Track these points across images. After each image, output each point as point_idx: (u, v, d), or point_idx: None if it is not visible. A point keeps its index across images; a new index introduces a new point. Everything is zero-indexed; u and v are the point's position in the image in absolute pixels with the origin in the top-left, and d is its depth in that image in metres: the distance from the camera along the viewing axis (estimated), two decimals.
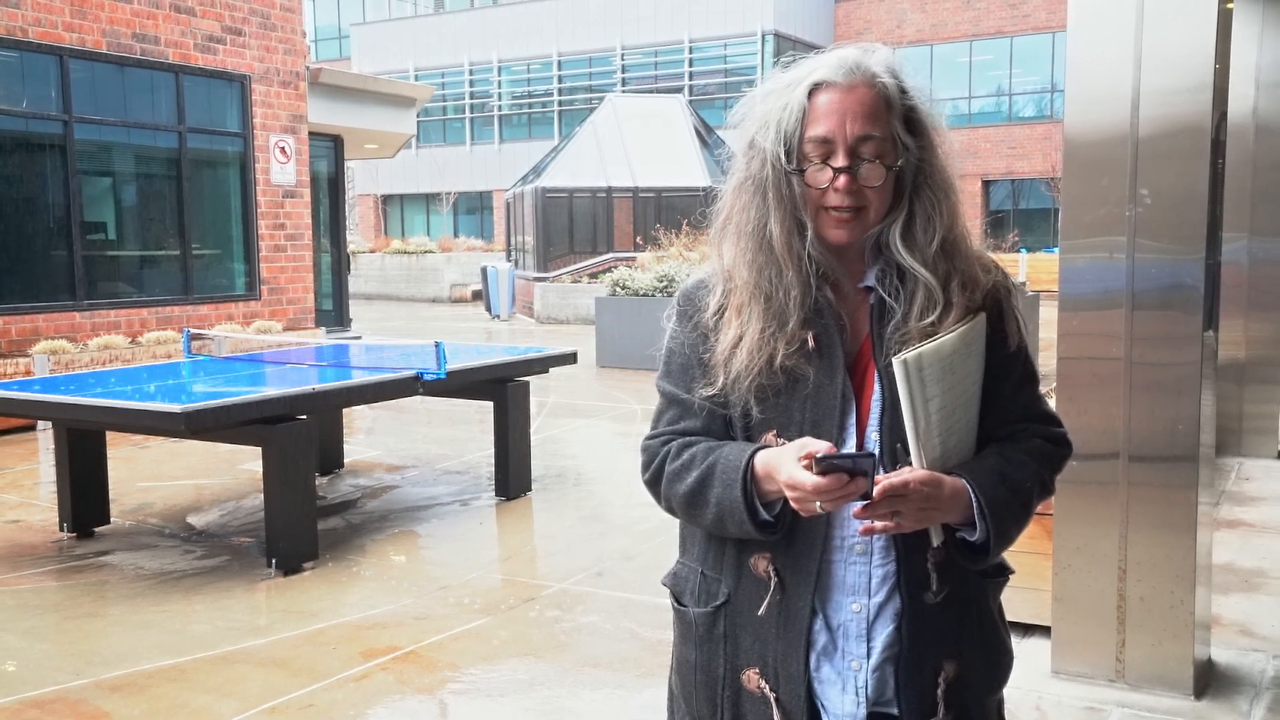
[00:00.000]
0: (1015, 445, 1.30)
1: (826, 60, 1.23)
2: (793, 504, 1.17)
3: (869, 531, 1.18)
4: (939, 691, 1.25)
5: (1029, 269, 18.74)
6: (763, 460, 1.21)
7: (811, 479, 1.11)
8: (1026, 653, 3.02)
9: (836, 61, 1.22)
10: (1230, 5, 2.81)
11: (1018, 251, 20.27)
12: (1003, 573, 1.35)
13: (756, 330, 1.24)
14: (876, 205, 1.23)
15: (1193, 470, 2.73)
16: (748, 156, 1.27)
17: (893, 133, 1.22)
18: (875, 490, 1.13)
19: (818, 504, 1.13)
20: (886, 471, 1.19)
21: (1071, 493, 2.85)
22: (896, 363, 1.15)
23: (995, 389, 1.29)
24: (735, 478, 1.22)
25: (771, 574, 1.26)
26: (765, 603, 1.26)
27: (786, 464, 1.15)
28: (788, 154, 1.22)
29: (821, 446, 1.14)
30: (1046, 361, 2.94)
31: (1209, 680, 2.88)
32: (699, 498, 1.26)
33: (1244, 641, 3.21)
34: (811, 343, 1.24)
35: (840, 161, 1.20)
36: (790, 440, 1.23)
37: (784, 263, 1.24)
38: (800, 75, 1.24)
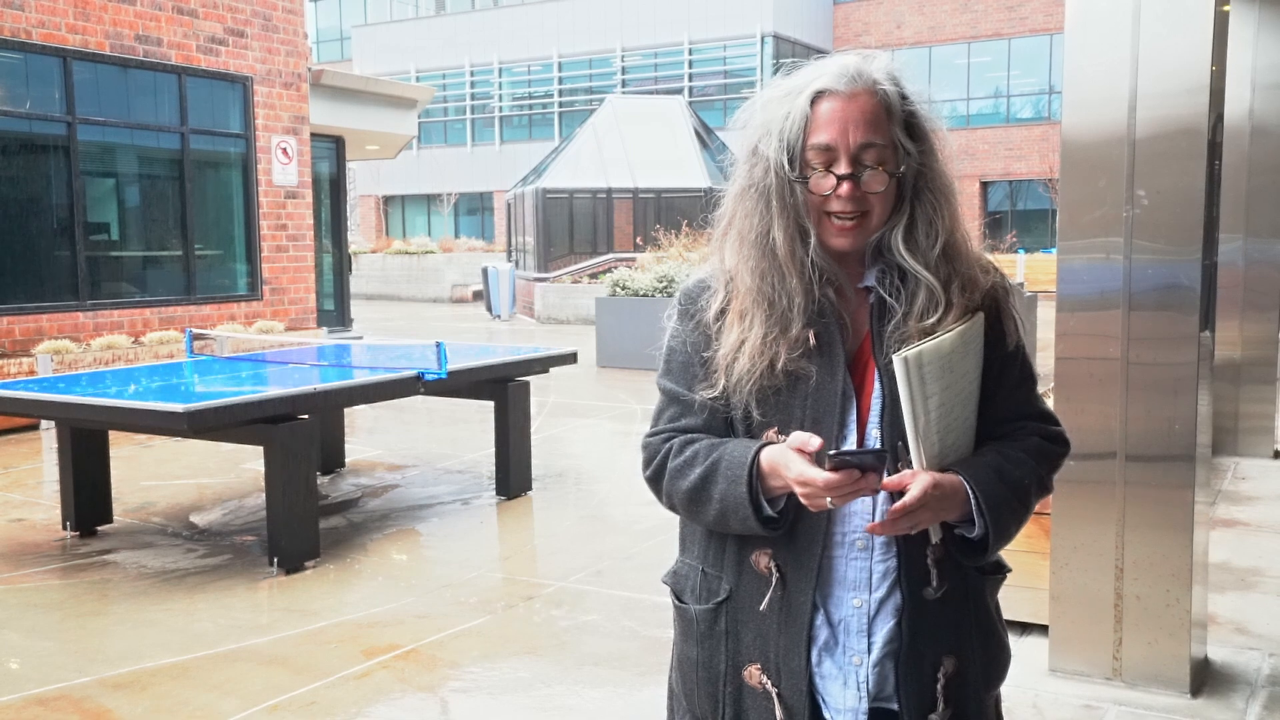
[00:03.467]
0: (1013, 443, 1.31)
1: (828, 68, 1.24)
2: (802, 500, 1.18)
3: (876, 530, 1.20)
4: (938, 687, 1.27)
5: (1027, 270, 18.75)
6: (768, 457, 1.22)
7: (823, 475, 1.13)
8: (1024, 651, 3.03)
9: (838, 69, 1.24)
10: (1226, 8, 2.83)
11: (1015, 252, 20.29)
12: (1000, 570, 1.37)
13: (759, 336, 1.25)
14: (879, 211, 1.25)
15: (1189, 470, 2.74)
16: (750, 164, 1.28)
17: (894, 139, 1.23)
18: (882, 483, 1.15)
19: (828, 499, 1.15)
20: (889, 470, 1.21)
21: (1069, 492, 2.86)
22: (897, 360, 1.16)
23: (993, 387, 1.31)
24: (740, 474, 1.23)
25: (773, 570, 1.28)
26: (766, 599, 1.27)
27: (796, 460, 1.16)
28: (790, 161, 1.23)
29: (817, 441, 1.16)
30: (1044, 361, 2.96)
31: (1205, 678, 2.90)
32: (702, 494, 1.27)
33: (1240, 640, 3.22)
34: (813, 340, 1.26)
35: (843, 169, 1.22)
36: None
37: (787, 269, 1.25)
38: (802, 83, 1.25)
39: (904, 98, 1.25)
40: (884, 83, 1.23)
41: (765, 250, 1.26)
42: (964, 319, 1.25)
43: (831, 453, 1.13)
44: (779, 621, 1.27)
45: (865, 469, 1.13)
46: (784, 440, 1.25)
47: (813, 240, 1.25)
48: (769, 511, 1.24)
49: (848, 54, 1.26)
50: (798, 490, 1.17)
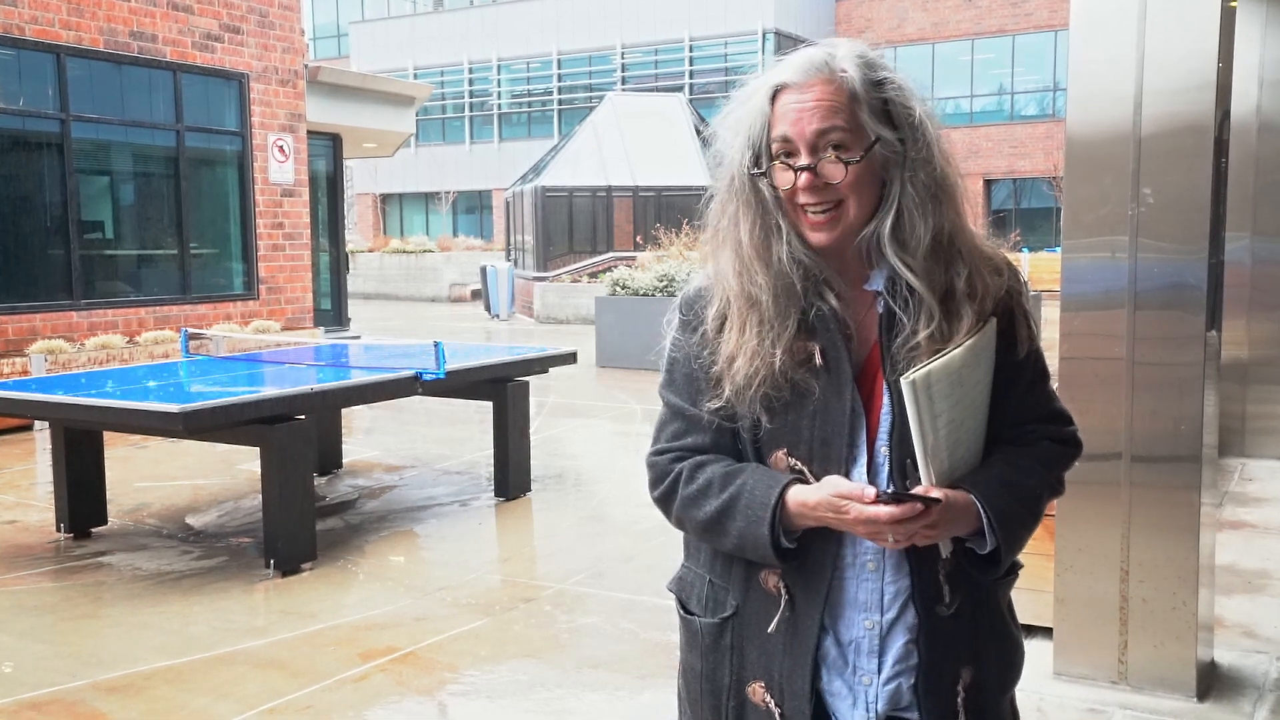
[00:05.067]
0: (1022, 450, 1.28)
1: (789, 61, 1.22)
2: (865, 537, 1.17)
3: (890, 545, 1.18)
4: (959, 700, 1.25)
5: (1031, 269, 18.73)
6: (797, 500, 1.19)
7: (887, 510, 1.12)
8: (1029, 654, 3.00)
9: (797, 61, 1.21)
10: (1233, 4, 2.79)
11: (1020, 251, 20.26)
12: (1013, 570, 1.33)
13: (753, 339, 1.22)
14: (854, 201, 1.20)
15: (1195, 471, 2.71)
16: (722, 167, 1.27)
17: (861, 125, 1.18)
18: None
19: (890, 536, 1.14)
20: (896, 485, 1.19)
21: (1074, 493, 2.82)
22: (904, 384, 1.13)
23: (1006, 392, 1.28)
24: (762, 515, 1.19)
25: (781, 590, 1.25)
26: (775, 621, 1.25)
27: (853, 505, 1.15)
28: (756, 159, 1.21)
29: (873, 491, 1.14)
30: (1048, 361, 2.92)
31: (1212, 682, 2.87)
32: (718, 527, 1.24)
33: (1247, 643, 3.19)
34: (819, 358, 1.22)
35: (801, 160, 1.19)
36: (799, 457, 1.23)
37: (754, 266, 1.22)
38: (763, 81, 1.23)
39: (877, 84, 1.20)
40: (847, 69, 1.19)
41: (739, 251, 1.24)
42: (974, 329, 1.21)
43: (889, 490, 1.13)
44: (785, 642, 1.25)
45: (928, 503, 1.13)
46: (793, 463, 1.22)
47: (786, 235, 1.22)
48: (786, 544, 1.21)
49: (814, 46, 1.23)
50: (860, 529, 1.15)
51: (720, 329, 1.27)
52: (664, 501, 1.31)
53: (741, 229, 1.23)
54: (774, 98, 1.20)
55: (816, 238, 1.21)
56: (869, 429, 1.23)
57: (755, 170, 1.21)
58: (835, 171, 1.18)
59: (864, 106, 1.18)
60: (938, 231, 1.20)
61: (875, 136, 1.19)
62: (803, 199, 1.20)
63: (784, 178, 1.20)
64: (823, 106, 1.18)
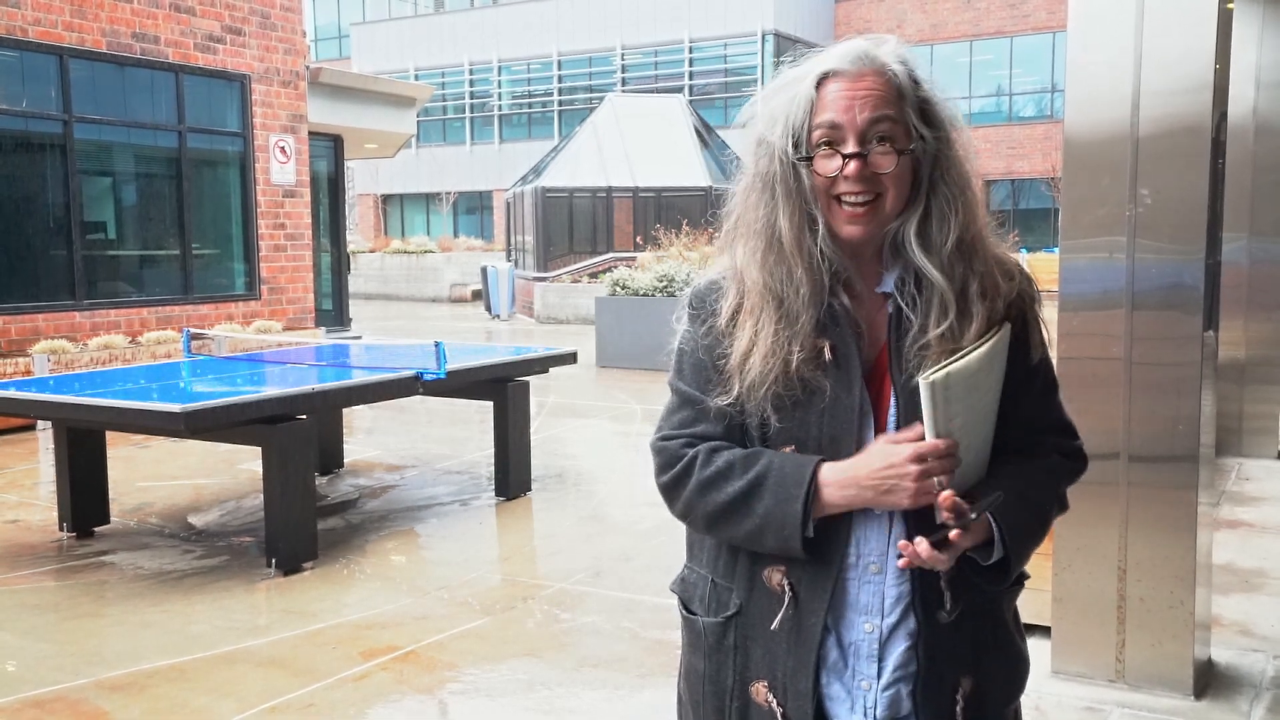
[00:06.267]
0: (1033, 463, 1.27)
1: (835, 51, 1.21)
2: (907, 492, 1.14)
3: (909, 562, 1.16)
4: (958, 709, 1.23)
5: (1029, 269, 18.76)
6: (828, 472, 1.18)
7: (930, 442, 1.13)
8: None
9: (844, 51, 1.20)
10: (1230, 5, 2.81)
11: (1018, 251, 20.28)
12: (1018, 581, 1.32)
13: (770, 334, 1.20)
14: (893, 196, 1.19)
15: (1193, 470, 2.73)
16: (756, 155, 1.24)
17: (906, 120, 1.18)
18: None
19: (936, 480, 1.13)
20: None
21: (1071, 493, 2.83)
22: (923, 384, 1.12)
23: (1016, 399, 1.26)
24: (796, 493, 1.17)
25: (786, 588, 1.24)
26: (778, 618, 1.23)
27: (903, 446, 1.15)
28: (796, 145, 1.20)
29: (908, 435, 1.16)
30: None
31: (1209, 680, 2.88)
32: (741, 508, 1.21)
33: (1244, 642, 3.21)
34: (829, 353, 1.21)
35: (850, 147, 1.17)
36: (809, 454, 1.22)
37: (794, 259, 1.20)
38: (807, 69, 1.21)
39: (917, 83, 1.20)
40: (894, 65, 1.19)
41: (771, 241, 1.22)
42: (990, 333, 1.20)
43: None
44: (788, 641, 1.24)
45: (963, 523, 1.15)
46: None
47: (821, 229, 1.21)
48: (810, 532, 1.20)
49: (856, 38, 1.23)
50: (908, 473, 1.13)
51: (733, 323, 1.25)
52: (675, 485, 1.27)
53: (781, 218, 1.20)
54: (818, 85, 1.19)
55: (851, 230, 1.20)
56: (877, 428, 1.22)
57: (798, 155, 1.19)
58: (886, 161, 1.17)
59: (910, 103, 1.19)
60: (963, 231, 1.21)
61: (920, 134, 1.19)
62: (843, 188, 1.18)
63: (830, 164, 1.18)
64: (874, 96, 1.17)
